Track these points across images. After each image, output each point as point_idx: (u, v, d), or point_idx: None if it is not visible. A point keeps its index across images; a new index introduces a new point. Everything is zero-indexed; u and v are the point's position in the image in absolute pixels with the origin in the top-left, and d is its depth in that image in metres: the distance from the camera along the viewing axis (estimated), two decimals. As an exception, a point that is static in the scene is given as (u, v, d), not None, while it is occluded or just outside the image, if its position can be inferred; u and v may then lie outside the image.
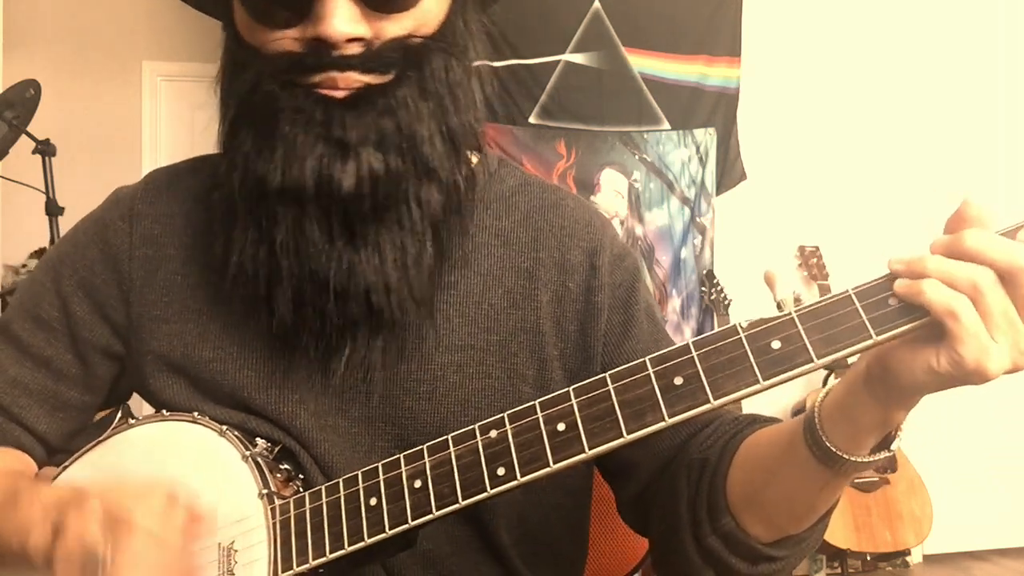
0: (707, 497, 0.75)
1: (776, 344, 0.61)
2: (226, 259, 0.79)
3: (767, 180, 3.58)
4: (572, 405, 0.65)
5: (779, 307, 0.62)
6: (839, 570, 3.28)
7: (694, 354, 0.63)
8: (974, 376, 0.57)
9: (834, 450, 0.64)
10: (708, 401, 0.62)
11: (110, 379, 0.92)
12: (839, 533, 2.99)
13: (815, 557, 3.38)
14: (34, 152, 2.73)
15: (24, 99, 2.64)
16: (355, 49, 0.74)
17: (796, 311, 0.61)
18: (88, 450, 0.84)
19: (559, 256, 0.87)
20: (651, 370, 0.64)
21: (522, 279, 0.86)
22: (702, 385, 0.62)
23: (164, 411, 0.83)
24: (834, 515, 0.77)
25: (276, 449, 0.81)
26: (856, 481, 3.00)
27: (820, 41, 3.65)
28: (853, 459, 0.64)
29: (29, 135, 2.67)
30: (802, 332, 0.60)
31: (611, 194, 3.41)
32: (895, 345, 0.60)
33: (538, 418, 0.66)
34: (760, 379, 0.61)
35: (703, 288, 3.44)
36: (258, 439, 0.81)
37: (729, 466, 0.75)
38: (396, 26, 0.75)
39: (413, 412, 0.82)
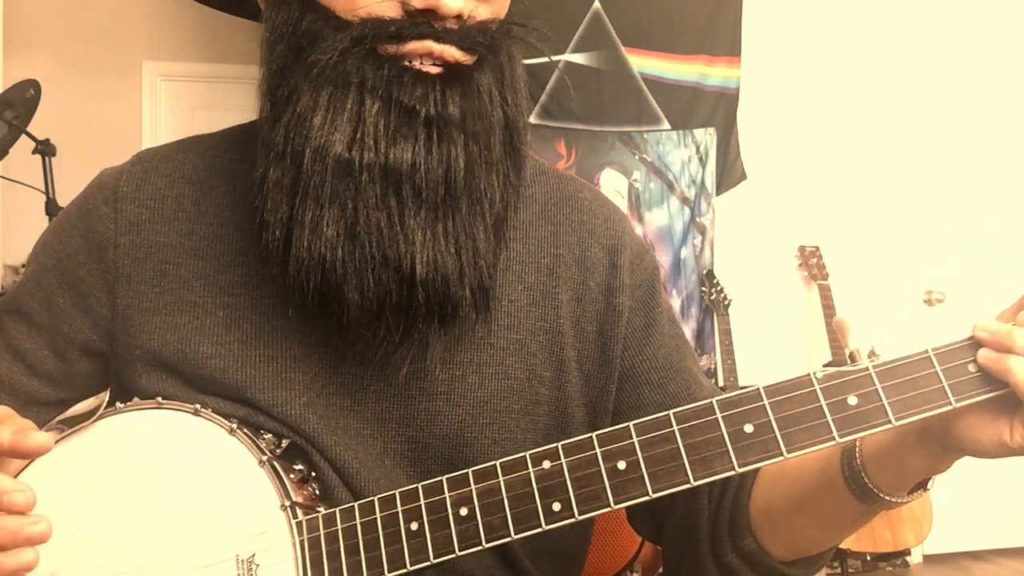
0: (729, 516, 0.75)
1: (853, 400, 0.59)
2: (287, 246, 0.72)
3: (767, 180, 3.57)
4: (633, 444, 0.62)
5: (851, 358, 0.61)
6: (839, 570, 3.28)
7: (766, 402, 0.61)
8: None
9: (876, 491, 0.64)
10: (781, 454, 0.59)
11: (89, 375, 0.87)
12: (839, 533, 2.99)
13: (815, 557, 3.39)
14: (34, 152, 2.73)
15: (24, 99, 2.64)
16: (453, 25, 0.71)
17: (874, 367, 0.59)
18: (72, 433, 0.76)
19: (579, 253, 0.84)
20: (719, 414, 0.61)
21: (543, 276, 0.83)
22: (775, 436, 0.60)
23: (160, 399, 0.76)
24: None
25: (285, 443, 0.77)
26: (856, 481, 2.99)
27: (820, 41, 3.65)
28: (894, 500, 0.65)
29: (29, 135, 2.67)
30: (880, 391, 0.59)
31: (611, 194, 3.41)
32: (963, 411, 0.59)
33: (596, 454, 0.63)
34: (836, 436, 0.59)
35: (703, 288, 3.44)
36: (265, 434, 0.77)
37: (753, 486, 0.74)
38: (487, 8, 0.74)
39: (429, 413, 0.79)
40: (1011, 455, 0.58)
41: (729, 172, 3.55)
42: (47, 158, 2.74)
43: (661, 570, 2.77)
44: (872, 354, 0.61)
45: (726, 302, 3.37)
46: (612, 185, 3.43)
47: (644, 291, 0.86)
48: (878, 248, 3.62)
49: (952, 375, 0.58)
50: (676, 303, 3.46)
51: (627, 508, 0.87)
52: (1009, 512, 3.69)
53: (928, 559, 3.62)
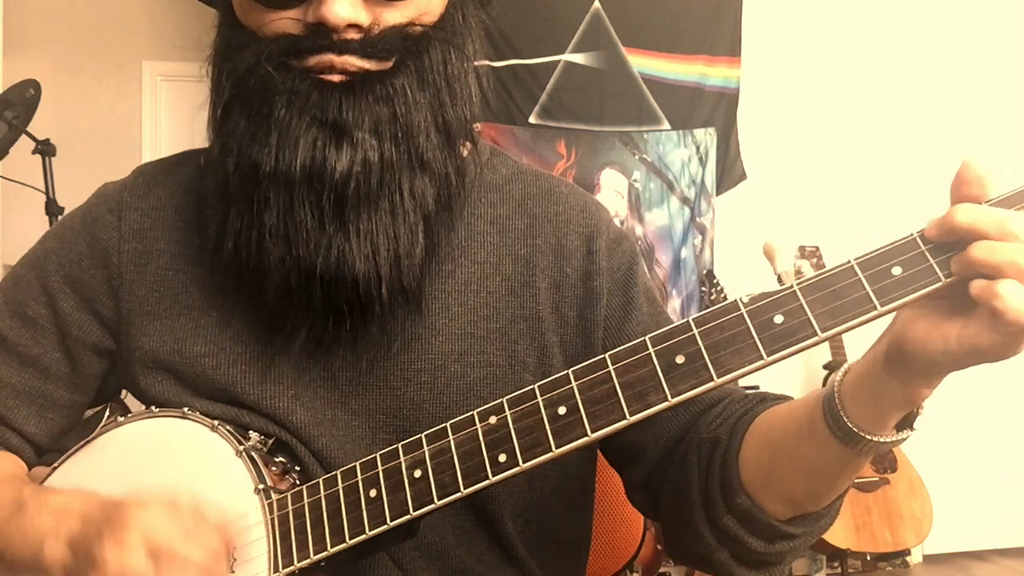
0: (719, 476, 0.74)
1: (779, 319, 0.60)
2: (220, 245, 0.78)
3: (767, 180, 3.58)
4: (572, 388, 0.64)
5: (780, 280, 0.61)
6: (839, 570, 3.28)
7: (695, 331, 0.62)
8: (994, 360, 0.56)
9: (856, 431, 0.63)
10: (712, 379, 0.61)
11: (99, 376, 0.90)
12: (839, 533, 2.99)
13: (815, 557, 3.38)
14: (34, 152, 2.73)
15: (24, 99, 2.64)
16: (354, 35, 0.73)
17: (798, 284, 0.60)
18: (77, 450, 0.82)
19: (555, 242, 0.87)
20: (651, 349, 0.63)
21: (519, 266, 0.86)
22: (704, 363, 0.61)
23: (153, 408, 0.81)
24: (833, 515, 0.76)
25: (270, 442, 0.80)
26: (856, 481, 3.00)
27: (820, 41, 3.65)
28: (876, 439, 0.63)
29: (29, 135, 2.67)
30: (805, 305, 0.59)
31: (611, 194, 3.41)
32: (911, 324, 0.59)
33: (538, 403, 0.65)
34: (764, 355, 0.60)
35: (703, 288, 3.44)
36: (251, 432, 0.80)
37: (741, 445, 0.74)
38: (396, 14, 0.75)
39: (415, 403, 0.82)
40: (960, 363, 0.57)
41: (729, 172, 3.55)
42: (47, 158, 2.73)
43: (661, 569, 2.77)
44: (798, 272, 0.60)
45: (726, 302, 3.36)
46: (612, 185, 3.43)
47: (622, 274, 0.88)
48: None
49: (875, 280, 0.58)
50: (676, 303, 3.46)
51: (625, 485, 0.88)
52: (1009, 512, 3.70)
53: (928, 559, 3.62)
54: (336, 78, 0.73)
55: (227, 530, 0.70)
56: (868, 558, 3.34)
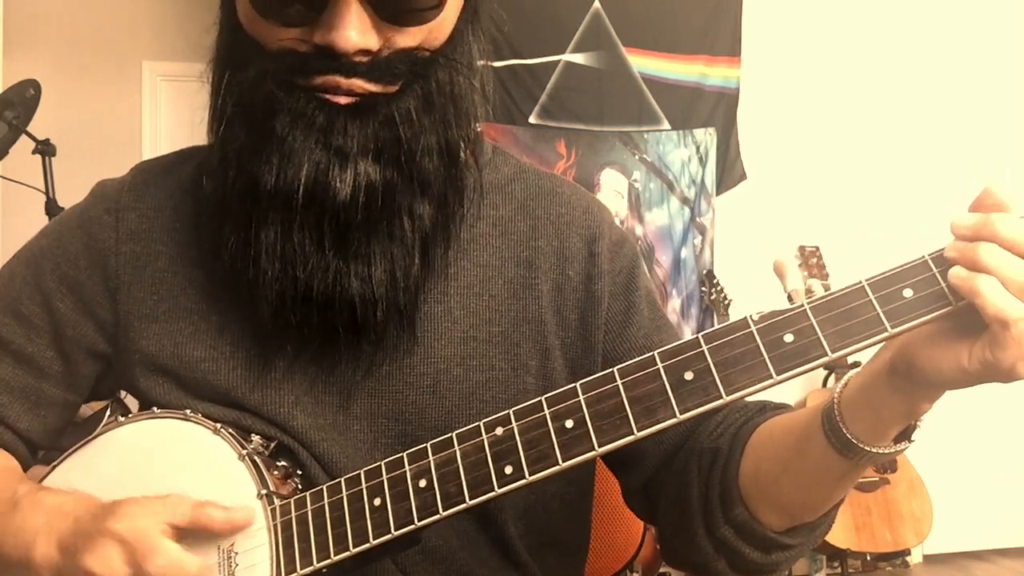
0: (719, 487, 0.75)
1: (789, 337, 0.60)
2: (216, 255, 0.77)
3: (767, 180, 3.57)
4: (580, 402, 0.64)
5: (790, 298, 0.61)
6: (839, 570, 3.28)
7: (704, 348, 0.61)
8: (1007, 377, 0.56)
9: (854, 441, 0.64)
10: (720, 396, 0.60)
11: (93, 377, 0.89)
12: (839, 533, 2.99)
13: (815, 557, 3.38)
14: (34, 152, 2.72)
15: (24, 99, 2.63)
16: (362, 58, 0.72)
17: (808, 303, 0.60)
18: (77, 449, 0.82)
19: (558, 244, 0.86)
20: (660, 365, 0.63)
21: (522, 269, 0.85)
22: (714, 380, 0.61)
23: (155, 408, 0.81)
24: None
25: (272, 445, 0.80)
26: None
27: (820, 41, 3.64)
28: (874, 450, 0.64)
29: (29, 135, 2.67)
30: (815, 325, 0.59)
31: (611, 194, 3.41)
32: (921, 341, 0.59)
33: (545, 415, 0.65)
34: (773, 373, 0.60)
35: (703, 288, 3.44)
36: (253, 436, 0.79)
37: (741, 456, 0.74)
38: (407, 37, 0.74)
39: (417, 407, 0.81)
40: (973, 381, 0.58)
41: (729, 172, 3.55)
42: (47, 158, 2.73)
43: (661, 569, 2.77)
44: (809, 291, 0.61)
45: (726, 302, 3.36)
46: (612, 185, 3.43)
47: (624, 277, 0.88)
48: (879, 248, 3.62)
49: (886, 302, 0.58)
50: (676, 303, 3.46)
51: (623, 490, 0.88)
52: (1009, 512, 3.69)
53: (928, 559, 3.62)
54: (343, 100, 0.72)
55: (204, 525, 0.70)
56: (868, 558, 3.34)
